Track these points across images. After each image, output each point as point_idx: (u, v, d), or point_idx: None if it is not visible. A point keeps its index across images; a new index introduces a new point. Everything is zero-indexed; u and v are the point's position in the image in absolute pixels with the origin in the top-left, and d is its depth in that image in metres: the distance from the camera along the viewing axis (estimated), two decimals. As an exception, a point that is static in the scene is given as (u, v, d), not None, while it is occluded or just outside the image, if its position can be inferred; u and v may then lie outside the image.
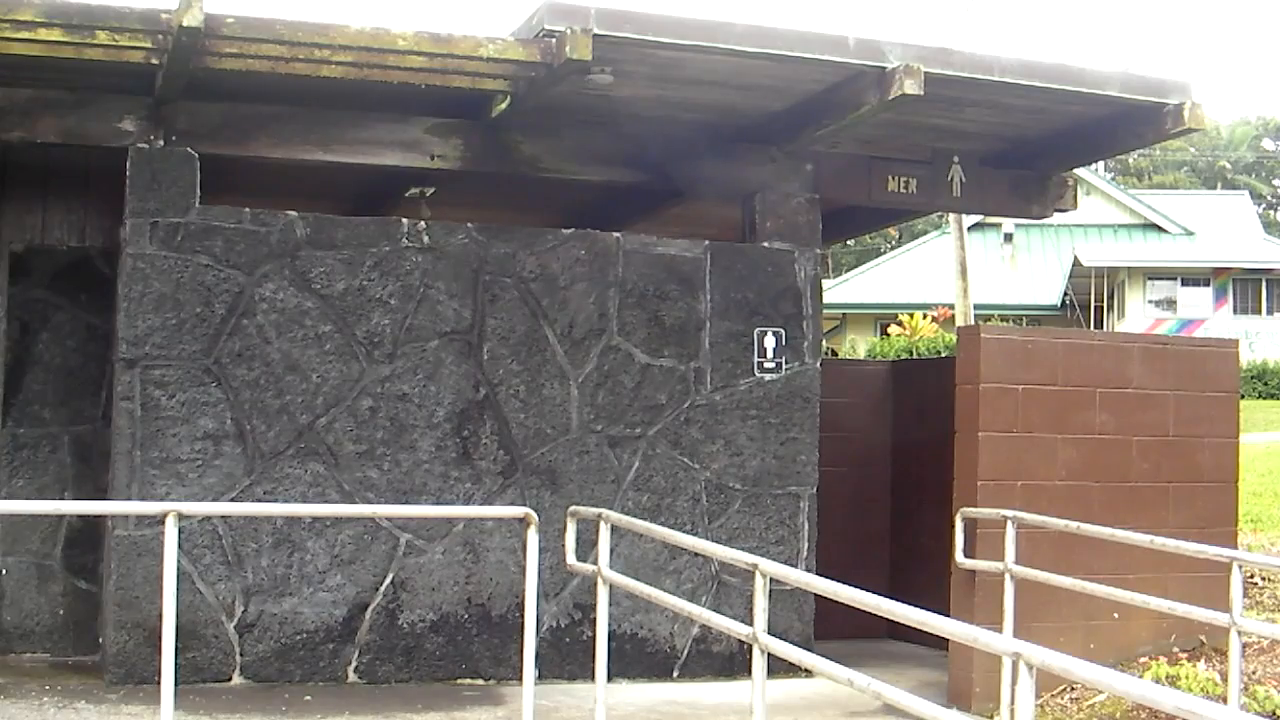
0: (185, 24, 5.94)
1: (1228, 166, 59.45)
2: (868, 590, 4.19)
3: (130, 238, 6.93)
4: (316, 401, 7.10)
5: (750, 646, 4.62)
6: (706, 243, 7.85)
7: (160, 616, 5.12)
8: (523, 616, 5.89)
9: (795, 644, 5.40)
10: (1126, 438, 7.58)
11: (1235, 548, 7.63)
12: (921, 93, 6.70)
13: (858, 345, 30.51)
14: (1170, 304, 34.25)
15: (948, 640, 6.17)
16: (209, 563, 6.91)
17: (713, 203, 8.57)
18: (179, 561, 5.23)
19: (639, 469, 7.58)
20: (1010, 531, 6.83)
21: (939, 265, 33.15)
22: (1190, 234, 36.03)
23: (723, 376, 7.76)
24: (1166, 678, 7.07)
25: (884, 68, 6.75)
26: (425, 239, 7.34)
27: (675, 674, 7.58)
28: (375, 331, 7.21)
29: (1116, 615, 7.30)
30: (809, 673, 4.63)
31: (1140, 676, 6.99)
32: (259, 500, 6.92)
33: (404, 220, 7.43)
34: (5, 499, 7.40)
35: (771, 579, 4.74)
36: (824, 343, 10.64)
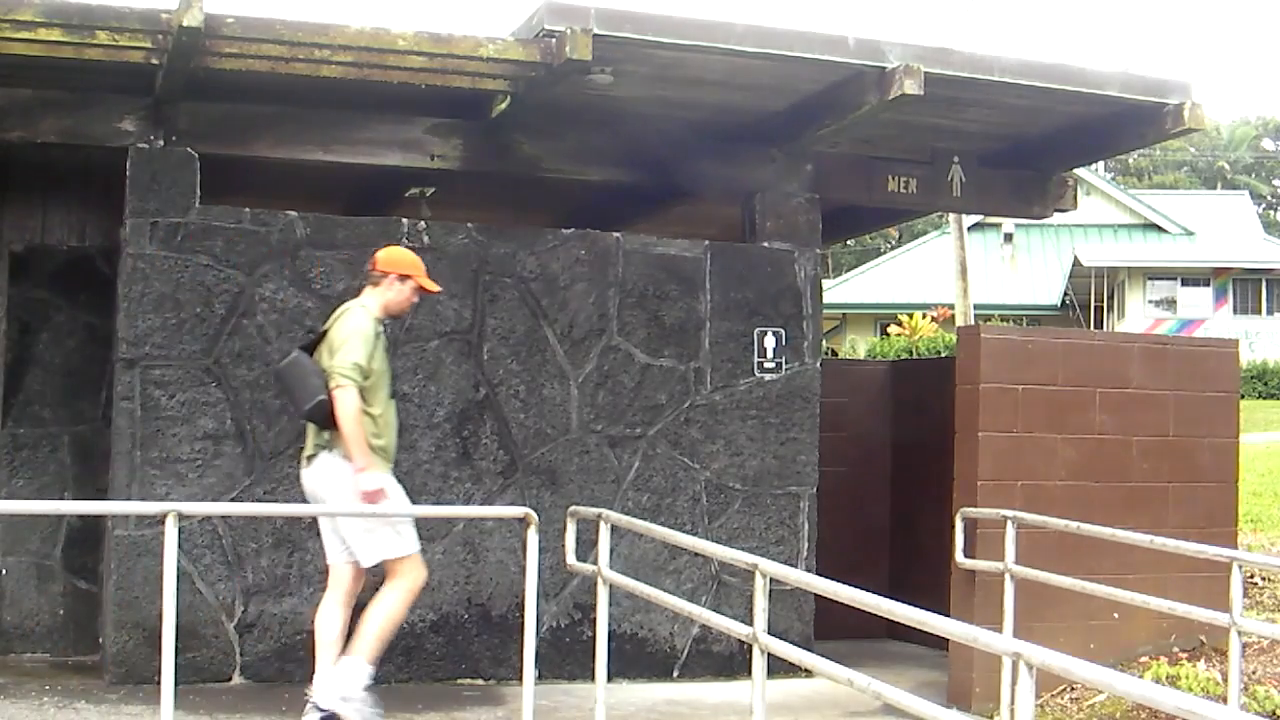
0: (185, 24, 5.94)
1: (1227, 166, 59.45)
2: (868, 590, 4.19)
3: (130, 238, 6.93)
4: (316, 401, 7.09)
5: (750, 646, 4.62)
6: (706, 243, 7.85)
7: (160, 616, 5.11)
8: (523, 616, 5.88)
9: (795, 644, 5.40)
10: (1126, 438, 7.58)
11: (1235, 548, 7.63)
12: (921, 93, 6.70)
13: (858, 345, 30.51)
14: (1170, 304, 34.25)
15: (948, 640, 6.17)
16: (209, 563, 6.91)
17: (713, 203, 8.58)
18: (179, 561, 5.23)
19: (639, 469, 7.58)
20: (1010, 531, 6.82)
21: (939, 265, 33.15)
22: (1190, 234, 36.04)
23: (723, 376, 7.76)
24: (1166, 678, 7.07)
25: (884, 68, 6.75)
26: (425, 239, 7.34)
27: (675, 674, 7.58)
28: (375, 331, 7.20)
29: (1116, 615, 7.30)
30: (809, 673, 4.63)
31: (1140, 676, 6.99)
32: (259, 500, 6.93)
33: (404, 220, 7.43)
34: (5, 499, 7.40)
35: (771, 579, 4.74)
36: (824, 343, 10.64)
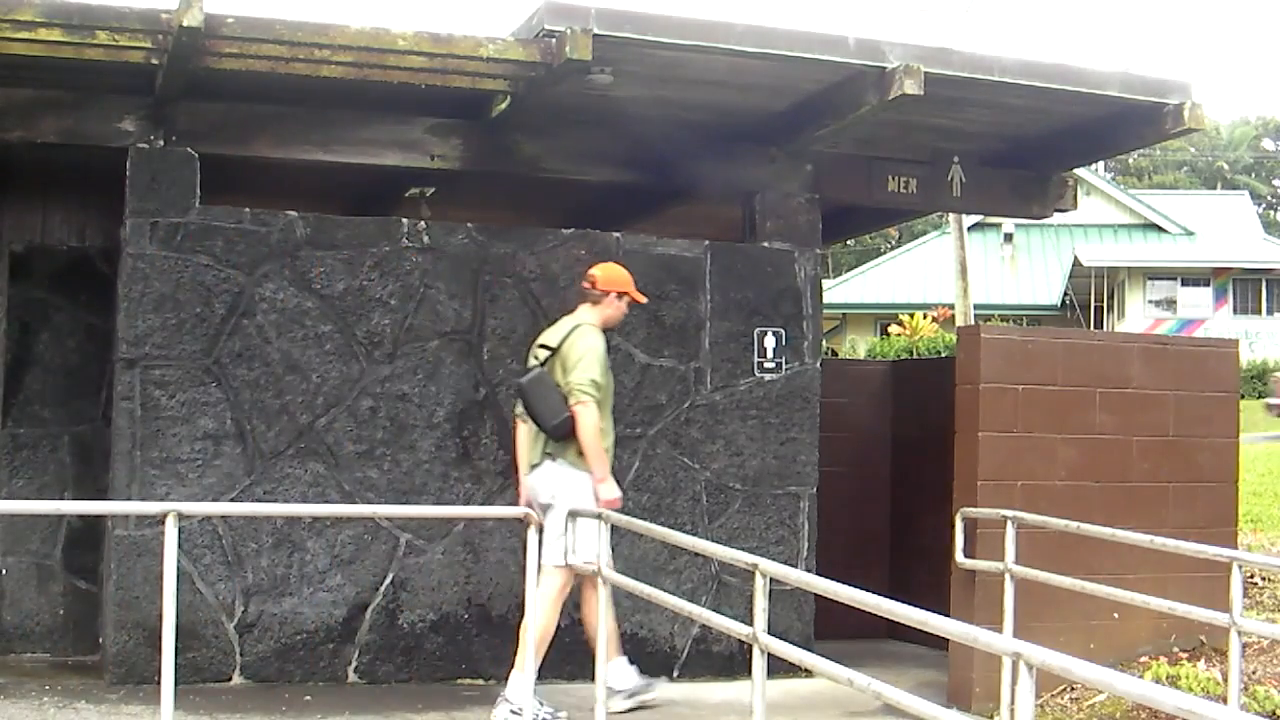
0: (185, 24, 5.94)
1: (1227, 166, 59.46)
2: (868, 590, 4.19)
3: (130, 238, 6.93)
4: (316, 401, 7.10)
5: (750, 646, 4.62)
6: (706, 243, 7.85)
7: (160, 616, 5.12)
8: (523, 616, 5.89)
9: (795, 644, 5.39)
10: (1126, 438, 7.57)
11: (1235, 548, 7.62)
12: (921, 93, 6.69)
13: (858, 345, 30.51)
14: (1170, 304, 34.28)
15: (948, 640, 6.16)
16: (209, 563, 6.91)
17: (713, 203, 8.57)
18: (179, 561, 5.23)
19: (639, 469, 7.58)
20: (1010, 531, 6.82)
21: (939, 265, 33.18)
22: (1190, 234, 36.07)
23: (723, 376, 7.76)
24: (1167, 678, 7.07)
25: (884, 68, 6.75)
26: (425, 239, 7.34)
27: (675, 674, 7.58)
28: (375, 331, 7.21)
29: (1116, 615, 7.30)
30: (809, 673, 4.62)
31: (1140, 676, 6.99)
32: (259, 500, 6.92)
33: (404, 220, 7.43)
34: (5, 499, 7.40)
35: (771, 579, 4.74)
36: (824, 343, 10.64)
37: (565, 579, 6.44)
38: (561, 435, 6.40)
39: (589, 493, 6.43)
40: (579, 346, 6.49)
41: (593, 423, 6.35)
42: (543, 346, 6.66)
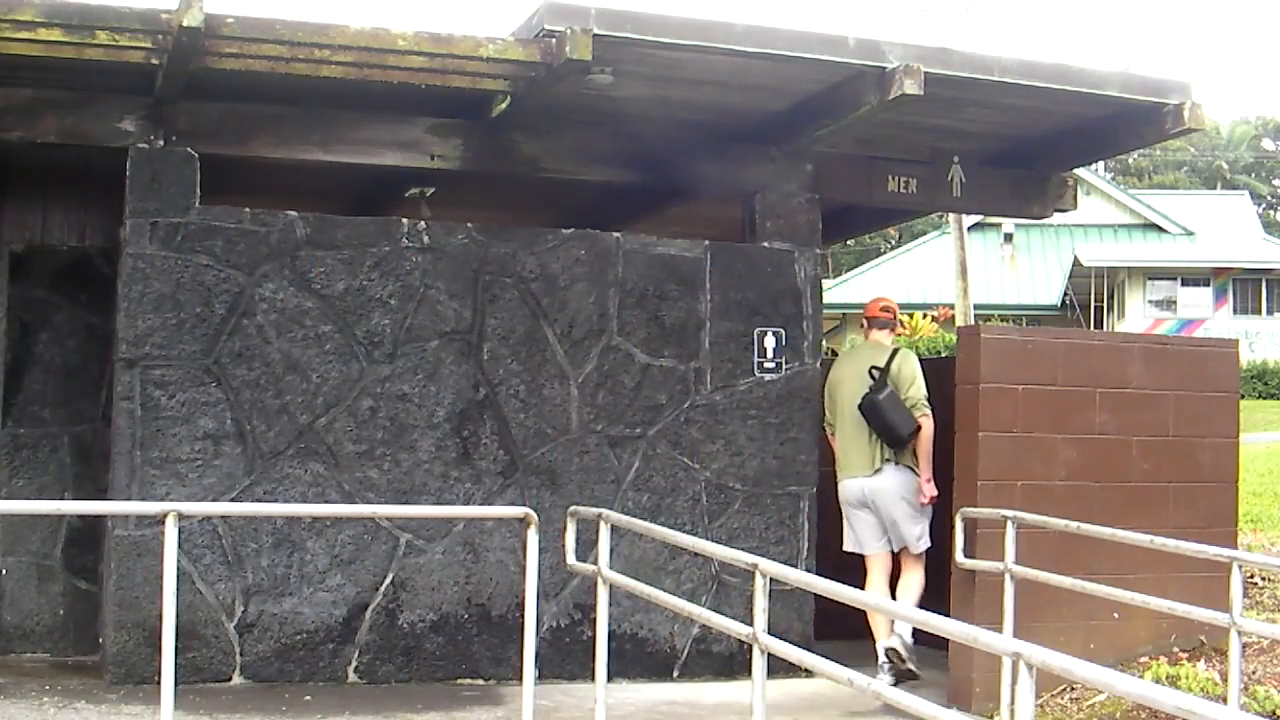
0: (185, 24, 5.94)
1: (1227, 166, 59.46)
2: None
3: (130, 238, 6.93)
4: (316, 401, 7.10)
5: (750, 646, 4.62)
6: (706, 243, 7.85)
7: (160, 616, 5.12)
8: (523, 616, 5.89)
9: (795, 644, 5.39)
10: (1126, 438, 7.57)
11: (1235, 548, 7.62)
12: (921, 93, 6.70)
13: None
14: (1170, 304, 34.27)
15: (948, 640, 6.17)
16: (209, 563, 6.91)
17: (713, 203, 8.58)
18: (179, 561, 5.24)
19: (639, 469, 7.58)
20: (1010, 531, 6.82)
21: (939, 265, 33.18)
22: (1190, 234, 36.06)
23: (723, 376, 7.76)
24: (1166, 678, 7.07)
25: (884, 68, 6.75)
26: (425, 239, 7.34)
27: (675, 674, 7.58)
28: (375, 331, 7.21)
29: (1116, 615, 7.30)
30: (809, 673, 4.62)
31: (1140, 676, 6.98)
32: (259, 500, 6.93)
33: (404, 220, 7.43)
34: (5, 499, 7.40)
35: (771, 579, 4.74)
36: (824, 343, 10.64)
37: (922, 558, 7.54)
38: (904, 443, 7.40)
39: (916, 489, 7.44)
40: (908, 368, 7.54)
41: (931, 433, 7.41)
42: (874, 368, 7.54)
